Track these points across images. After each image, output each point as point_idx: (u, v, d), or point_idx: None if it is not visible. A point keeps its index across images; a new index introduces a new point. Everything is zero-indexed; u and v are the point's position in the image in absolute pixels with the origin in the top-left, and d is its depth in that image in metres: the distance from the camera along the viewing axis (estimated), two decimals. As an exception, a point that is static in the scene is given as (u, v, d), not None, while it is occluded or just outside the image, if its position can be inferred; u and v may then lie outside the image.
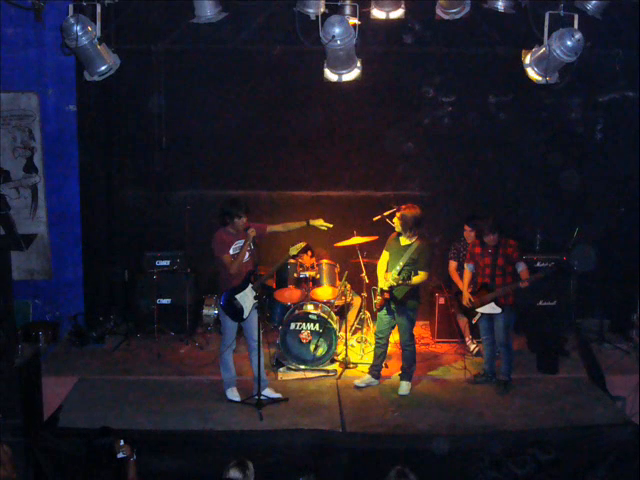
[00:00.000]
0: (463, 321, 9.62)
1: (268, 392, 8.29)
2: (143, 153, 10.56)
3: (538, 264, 10.11)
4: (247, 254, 8.01)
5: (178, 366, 9.24)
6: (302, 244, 8.65)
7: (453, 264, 9.69)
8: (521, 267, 8.47)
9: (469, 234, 9.51)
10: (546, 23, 7.83)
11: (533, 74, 8.33)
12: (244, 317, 8.10)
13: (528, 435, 7.28)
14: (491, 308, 8.49)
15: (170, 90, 10.13)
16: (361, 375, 8.94)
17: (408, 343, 8.59)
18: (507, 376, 8.61)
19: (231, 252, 7.99)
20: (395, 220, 8.47)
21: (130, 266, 10.30)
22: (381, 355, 8.75)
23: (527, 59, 8.35)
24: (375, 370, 8.78)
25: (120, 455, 5.87)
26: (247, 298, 8.06)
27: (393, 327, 8.69)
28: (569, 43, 7.61)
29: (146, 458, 6.51)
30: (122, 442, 5.91)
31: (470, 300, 8.69)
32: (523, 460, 5.45)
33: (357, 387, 8.68)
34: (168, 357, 9.51)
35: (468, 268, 8.80)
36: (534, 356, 9.36)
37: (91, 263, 10.34)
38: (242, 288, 8.05)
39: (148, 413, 7.95)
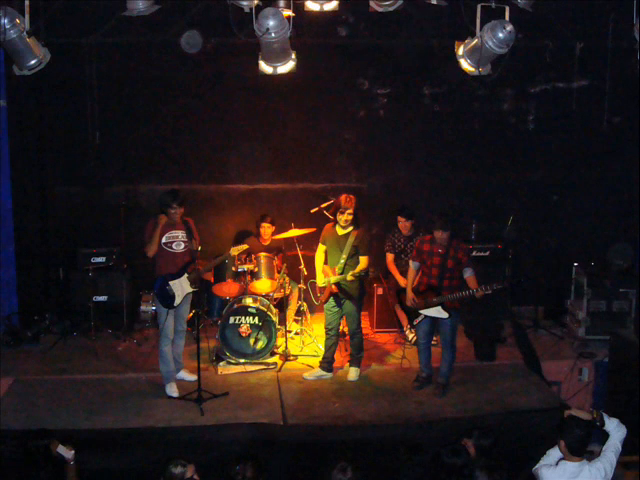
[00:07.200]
0: (401, 311, 9.65)
1: (183, 374, 8.52)
2: (76, 148, 10.35)
3: (474, 253, 10.21)
4: (182, 244, 8.15)
5: (116, 364, 9.13)
6: (245, 246, 8.81)
7: (390, 256, 9.69)
8: (468, 272, 8.09)
9: (405, 224, 9.55)
10: (478, 15, 7.92)
11: (466, 65, 8.40)
12: (174, 304, 8.14)
13: (467, 422, 7.35)
14: (437, 312, 8.10)
15: (103, 84, 9.94)
16: (307, 368, 8.96)
17: (357, 331, 8.63)
18: (446, 378, 8.36)
19: (164, 240, 8.10)
20: (344, 217, 8.30)
21: (65, 263, 10.16)
22: (332, 346, 8.73)
23: (460, 51, 8.42)
24: (325, 362, 8.78)
25: (61, 455, 5.76)
26: (180, 287, 8.14)
27: (341, 317, 8.70)
28: (500, 35, 7.70)
29: (86, 457, 6.39)
30: (59, 443, 5.81)
31: (414, 300, 8.30)
32: (458, 449, 5.49)
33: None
34: (105, 355, 9.38)
35: (413, 266, 8.32)
36: (472, 344, 9.49)
37: (25, 261, 10.11)
38: (177, 276, 8.13)
39: (87, 412, 7.83)
